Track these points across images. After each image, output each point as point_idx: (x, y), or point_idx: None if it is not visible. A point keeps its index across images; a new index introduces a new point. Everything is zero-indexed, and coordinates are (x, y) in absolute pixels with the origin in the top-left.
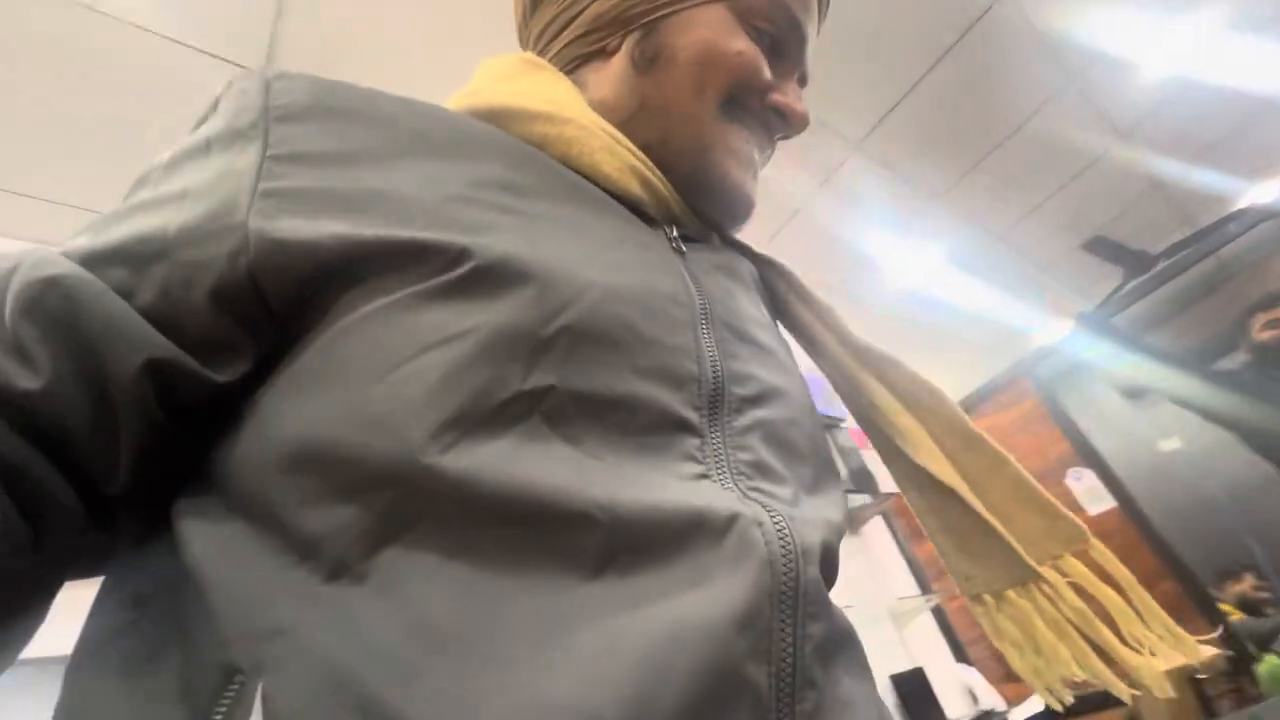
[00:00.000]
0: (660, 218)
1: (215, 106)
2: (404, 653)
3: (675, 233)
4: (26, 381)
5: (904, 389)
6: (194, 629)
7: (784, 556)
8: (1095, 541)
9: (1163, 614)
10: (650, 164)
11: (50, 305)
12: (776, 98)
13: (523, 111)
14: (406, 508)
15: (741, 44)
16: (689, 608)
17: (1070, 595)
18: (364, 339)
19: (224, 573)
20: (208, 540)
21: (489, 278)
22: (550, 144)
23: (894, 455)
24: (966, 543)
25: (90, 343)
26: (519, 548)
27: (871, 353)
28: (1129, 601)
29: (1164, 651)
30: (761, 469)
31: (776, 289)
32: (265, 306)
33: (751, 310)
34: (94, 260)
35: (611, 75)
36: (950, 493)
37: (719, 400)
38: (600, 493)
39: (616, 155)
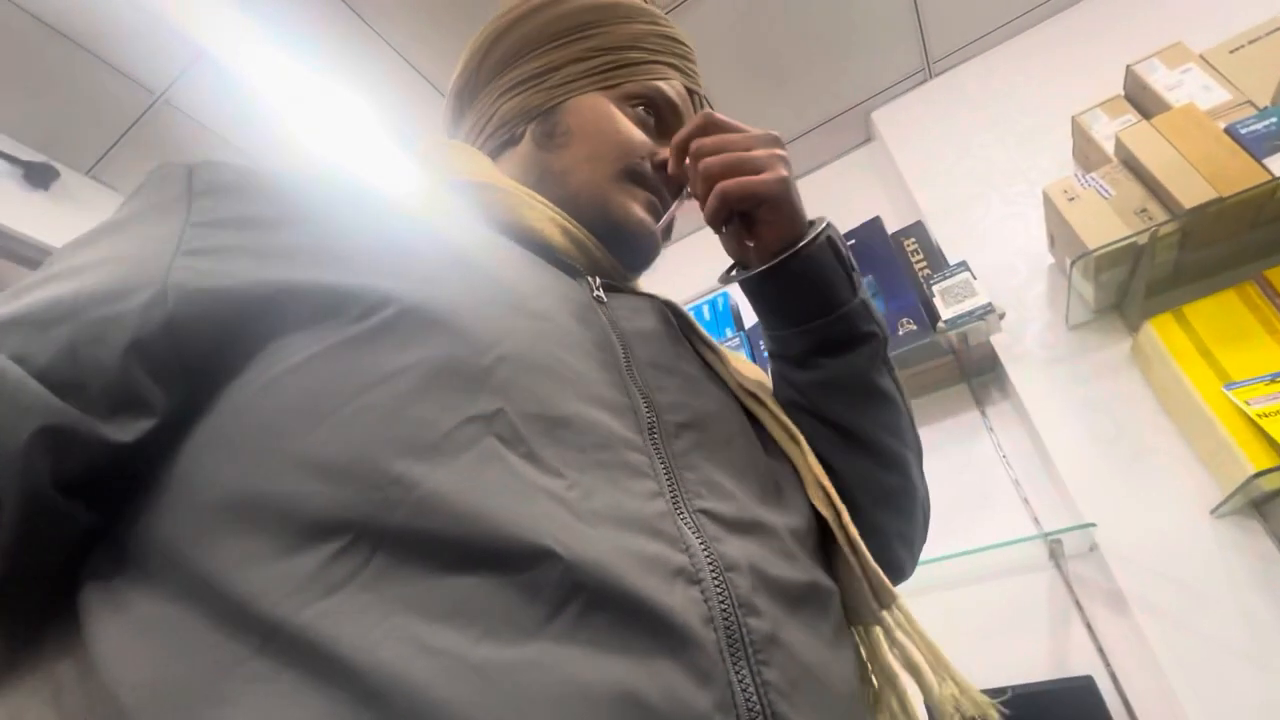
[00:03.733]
0: (583, 268)
1: (137, 192)
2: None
3: (598, 283)
4: None
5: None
6: None
7: (723, 613)
8: (902, 604)
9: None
10: (567, 216)
11: None
12: (663, 155)
13: (471, 184)
14: (356, 553)
15: (624, 125)
16: (652, 667)
17: (910, 633)
18: (295, 389)
19: (145, 663)
20: (121, 629)
21: (411, 321)
22: (487, 207)
23: None
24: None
25: None
26: (476, 586)
27: (750, 389)
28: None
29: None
30: (710, 485)
31: (684, 332)
32: (181, 359)
33: (672, 346)
34: None
35: (519, 155)
36: (819, 518)
37: (656, 428)
38: (559, 529)
39: (538, 211)
